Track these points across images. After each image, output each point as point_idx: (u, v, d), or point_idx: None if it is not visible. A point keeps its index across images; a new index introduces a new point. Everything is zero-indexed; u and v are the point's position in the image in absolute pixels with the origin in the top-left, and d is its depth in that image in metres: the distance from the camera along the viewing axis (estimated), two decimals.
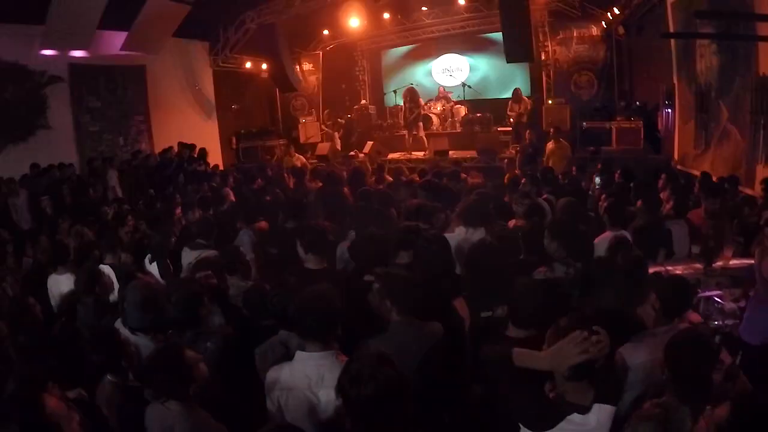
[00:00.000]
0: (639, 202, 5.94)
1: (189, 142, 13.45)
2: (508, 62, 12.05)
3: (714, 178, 7.63)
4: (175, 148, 13.10)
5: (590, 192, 7.70)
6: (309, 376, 2.64)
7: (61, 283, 5.14)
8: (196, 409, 2.56)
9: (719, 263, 5.36)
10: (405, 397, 2.12)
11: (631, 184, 7.46)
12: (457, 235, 4.88)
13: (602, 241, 4.95)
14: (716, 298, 4.76)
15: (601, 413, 2.25)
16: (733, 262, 5.34)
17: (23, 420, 1.82)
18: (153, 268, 5.34)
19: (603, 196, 6.56)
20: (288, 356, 2.85)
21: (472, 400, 3.17)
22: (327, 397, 2.54)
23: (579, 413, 2.24)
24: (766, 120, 6.57)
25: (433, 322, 3.17)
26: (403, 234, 4.07)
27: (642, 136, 12.81)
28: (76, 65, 12.43)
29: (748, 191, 7.50)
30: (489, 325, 3.29)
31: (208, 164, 13.40)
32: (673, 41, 10.98)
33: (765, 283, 4.34)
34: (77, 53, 12.24)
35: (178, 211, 8.08)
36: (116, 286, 4.63)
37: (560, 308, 2.91)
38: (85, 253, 6.07)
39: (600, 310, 3.29)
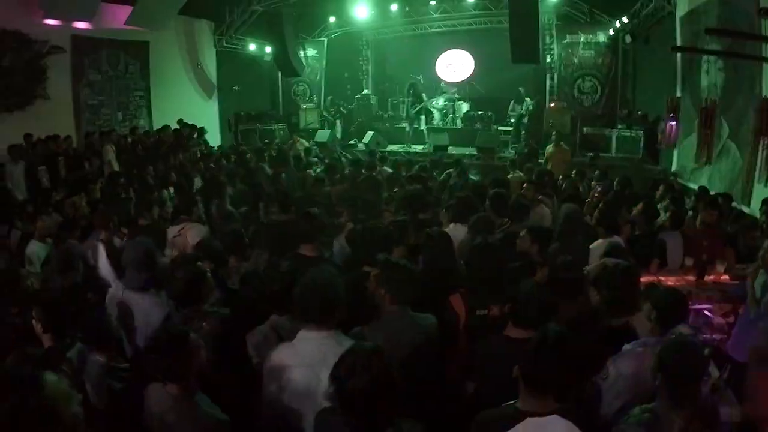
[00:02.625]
0: (635, 211, 5.98)
1: (188, 122, 13.40)
2: (513, 62, 12.04)
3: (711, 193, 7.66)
4: (175, 126, 13.05)
5: (589, 198, 7.71)
6: (311, 355, 2.63)
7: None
8: (196, 393, 2.52)
9: (711, 277, 5.41)
10: (396, 390, 2.15)
11: (626, 192, 7.54)
12: (451, 231, 4.89)
13: (597, 247, 4.97)
14: (706, 312, 4.81)
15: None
16: (725, 277, 5.40)
17: (21, 399, 1.76)
18: None
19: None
20: (281, 342, 2.84)
21: (465, 396, 3.18)
22: (326, 378, 2.52)
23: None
24: None
25: (427, 315, 3.17)
26: (398, 228, 4.10)
27: (642, 146, 12.86)
28: (78, 37, 12.34)
29: (744, 209, 7.55)
30: (484, 323, 3.30)
31: (207, 144, 13.35)
32: (678, 55, 11.00)
33: (753, 301, 4.37)
34: (81, 25, 12.17)
35: None
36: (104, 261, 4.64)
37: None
38: (74, 225, 6.11)
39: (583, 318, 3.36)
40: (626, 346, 2.98)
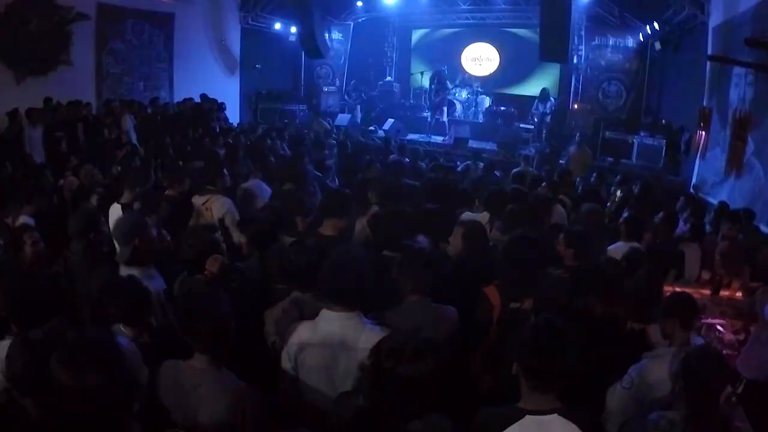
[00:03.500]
0: (657, 220, 5.91)
1: (210, 97, 13.40)
2: (541, 60, 11.93)
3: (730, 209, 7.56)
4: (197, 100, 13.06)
5: (608, 203, 7.64)
6: (332, 334, 2.60)
7: None
8: (223, 367, 2.42)
9: (726, 293, 5.35)
10: (435, 385, 2.11)
11: (648, 200, 7.47)
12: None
13: (616, 251, 4.93)
14: (719, 326, 4.76)
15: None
16: (739, 294, 5.33)
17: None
18: None
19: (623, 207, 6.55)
20: (302, 319, 2.82)
21: (481, 390, 3.16)
22: (347, 359, 2.52)
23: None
24: None
25: (447, 307, 3.13)
26: (425, 216, 4.07)
27: (663, 155, 12.70)
28: (104, 5, 12.35)
29: (763, 227, 7.45)
30: (516, 316, 3.27)
31: (227, 120, 13.36)
32: (708, 66, 10.84)
33: (764, 323, 4.33)
34: None
35: None
36: None
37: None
38: (86, 194, 6.10)
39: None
40: (648, 354, 2.95)
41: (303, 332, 2.68)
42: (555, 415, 2.18)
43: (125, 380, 1.85)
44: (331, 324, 2.63)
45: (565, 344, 2.20)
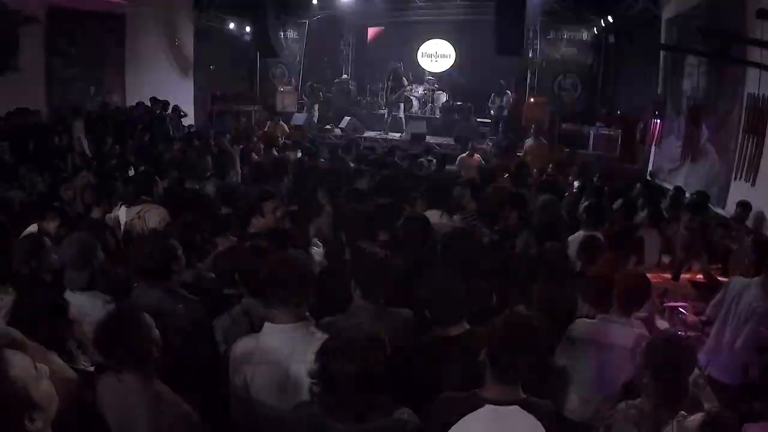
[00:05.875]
0: (615, 207, 5.97)
1: (162, 99, 13.06)
2: (497, 53, 11.98)
3: (686, 194, 7.72)
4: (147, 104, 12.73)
5: (567, 193, 7.70)
6: (279, 348, 2.47)
7: None
8: (155, 382, 2.29)
9: (687, 276, 5.44)
10: (386, 379, 2.04)
11: (605, 189, 7.56)
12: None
13: (574, 240, 4.94)
14: (681, 309, 4.83)
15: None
16: (699, 276, 5.43)
17: None
18: None
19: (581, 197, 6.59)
20: (251, 328, 2.69)
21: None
22: (297, 371, 2.38)
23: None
24: (756, 140, 6.69)
25: (402, 310, 3.00)
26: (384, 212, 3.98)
27: (619, 144, 12.95)
28: (54, 8, 11.86)
29: (718, 210, 7.62)
30: None
31: (182, 123, 13.06)
32: (661, 57, 11.08)
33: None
34: None
35: None
36: None
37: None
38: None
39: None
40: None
41: (248, 348, 2.54)
42: (516, 407, 2.14)
43: None
44: (276, 338, 2.49)
45: (536, 341, 2.21)
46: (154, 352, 2.27)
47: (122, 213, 5.06)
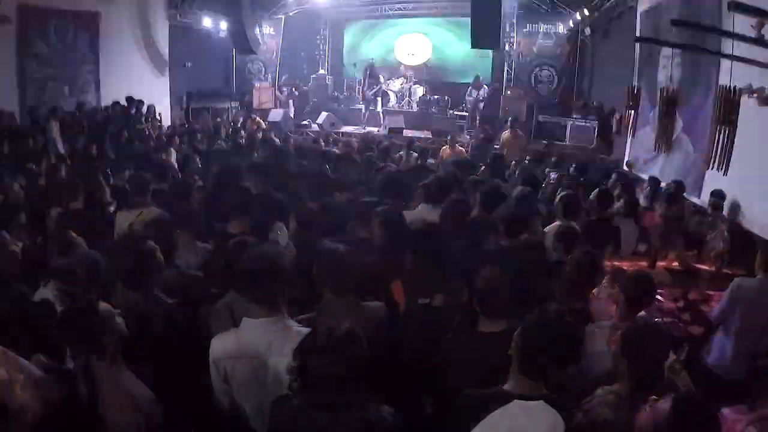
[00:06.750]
0: (591, 198, 6.04)
1: (138, 98, 12.90)
2: (473, 47, 12.03)
3: (661, 183, 7.83)
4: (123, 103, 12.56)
5: (543, 184, 7.76)
6: (257, 343, 2.48)
7: None
8: (118, 366, 2.43)
9: (663, 263, 5.52)
10: (365, 374, 2.07)
11: (582, 179, 7.65)
12: (419, 213, 4.81)
13: (550, 231, 4.99)
14: (658, 296, 4.89)
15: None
16: (675, 263, 5.51)
17: None
18: None
19: (558, 188, 6.65)
20: (234, 323, 2.69)
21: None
22: (276, 366, 2.40)
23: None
24: (728, 130, 6.80)
25: (374, 303, 3.04)
26: (364, 208, 3.98)
27: (595, 136, 13.10)
28: (25, 6, 11.63)
29: (693, 199, 7.74)
30: (425, 313, 3.14)
31: (157, 121, 12.91)
32: (637, 49, 11.20)
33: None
34: None
35: None
36: None
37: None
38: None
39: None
40: (590, 326, 2.97)
41: (228, 344, 2.55)
42: (541, 402, 2.18)
43: None
44: (253, 333, 2.50)
45: (565, 335, 2.27)
46: (112, 340, 2.40)
47: (120, 217, 5.01)
